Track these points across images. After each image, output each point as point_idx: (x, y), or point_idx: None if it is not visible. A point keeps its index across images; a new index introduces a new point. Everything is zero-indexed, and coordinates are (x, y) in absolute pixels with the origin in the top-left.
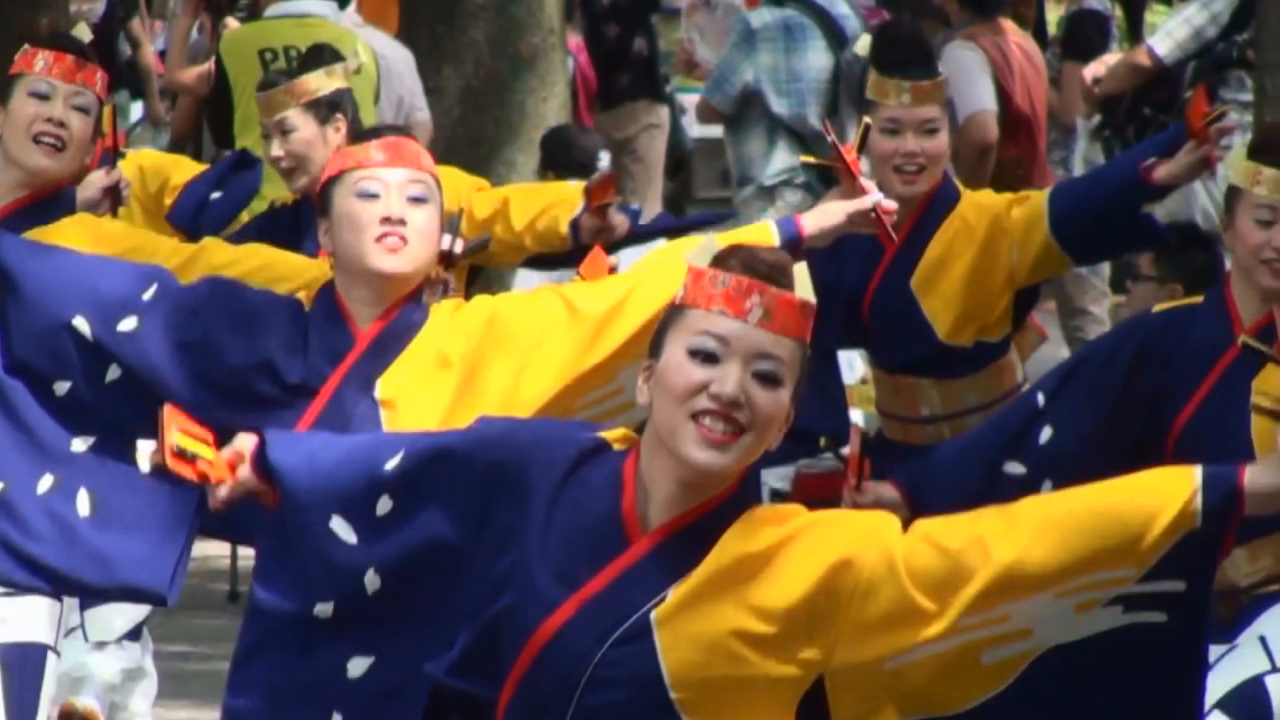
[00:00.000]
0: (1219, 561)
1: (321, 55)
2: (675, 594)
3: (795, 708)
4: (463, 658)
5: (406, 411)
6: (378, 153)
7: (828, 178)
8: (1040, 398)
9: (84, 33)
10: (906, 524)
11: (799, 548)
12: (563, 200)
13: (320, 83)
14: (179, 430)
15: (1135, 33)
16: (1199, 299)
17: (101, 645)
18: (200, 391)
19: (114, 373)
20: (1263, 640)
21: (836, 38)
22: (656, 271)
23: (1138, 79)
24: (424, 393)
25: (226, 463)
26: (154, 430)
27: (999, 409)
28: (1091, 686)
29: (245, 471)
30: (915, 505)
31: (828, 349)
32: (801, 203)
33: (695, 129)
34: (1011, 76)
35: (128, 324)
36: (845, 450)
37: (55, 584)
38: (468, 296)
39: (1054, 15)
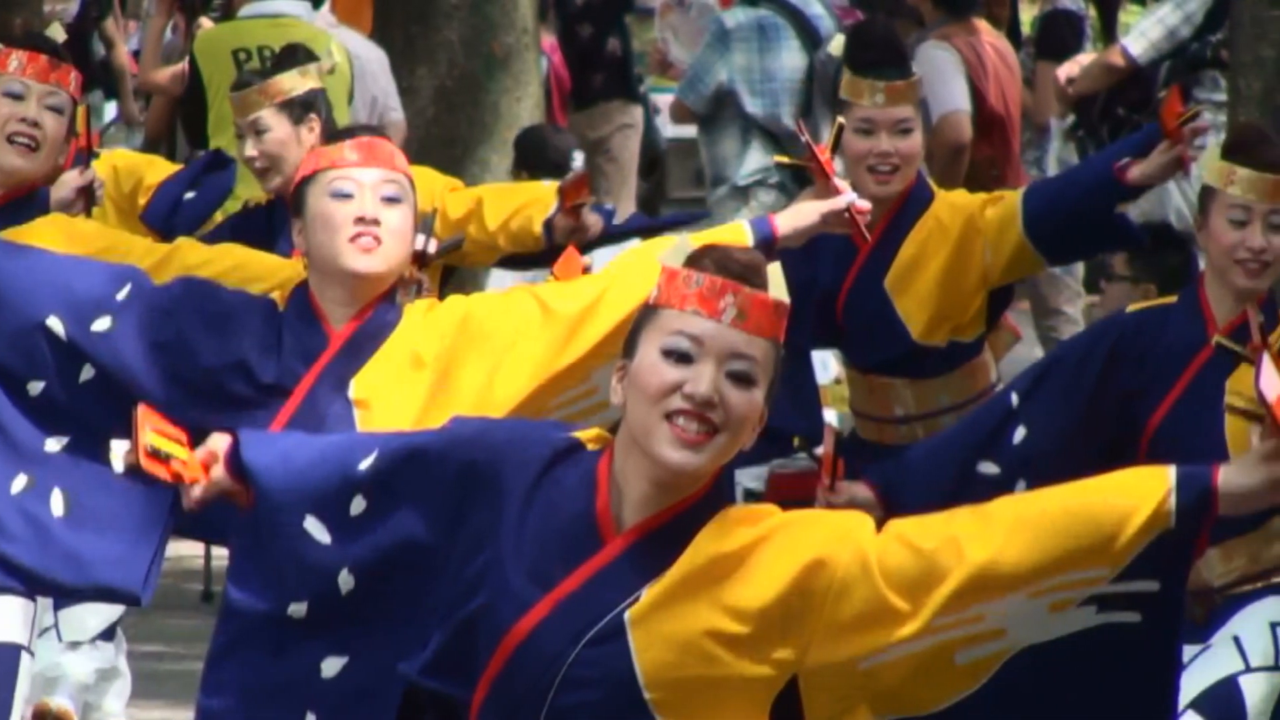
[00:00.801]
0: (1193, 561)
1: (295, 55)
2: (649, 594)
3: (769, 708)
4: (436, 657)
5: (380, 411)
6: (352, 153)
7: (802, 178)
8: (1014, 398)
9: (58, 33)
10: (880, 524)
11: (773, 548)
12: (537, 200)
13: (294, 83)
14: (153, 430)
15: (1109, 33)
16: (1173, 299)
17: (75, 645)
18: (174, 391)
19: (88, 373)
20: (1236, 640)
21: (810, 38)
22: (630, 271)
23: (1111, 79)
24: (398, 393)
25: (200, 463)
26: (128, 430)
27: (972, 409)
28: (1065, 686)
29: (219, 471)
30: (889, 505)
31: (801, 349)
32: (775, 203)
33: (669, 129)
34: (985, 76)
35: (102, 324)
36: (819, 450)
37: (29, 584)
38: (442, 296)
39: (1028, 15)
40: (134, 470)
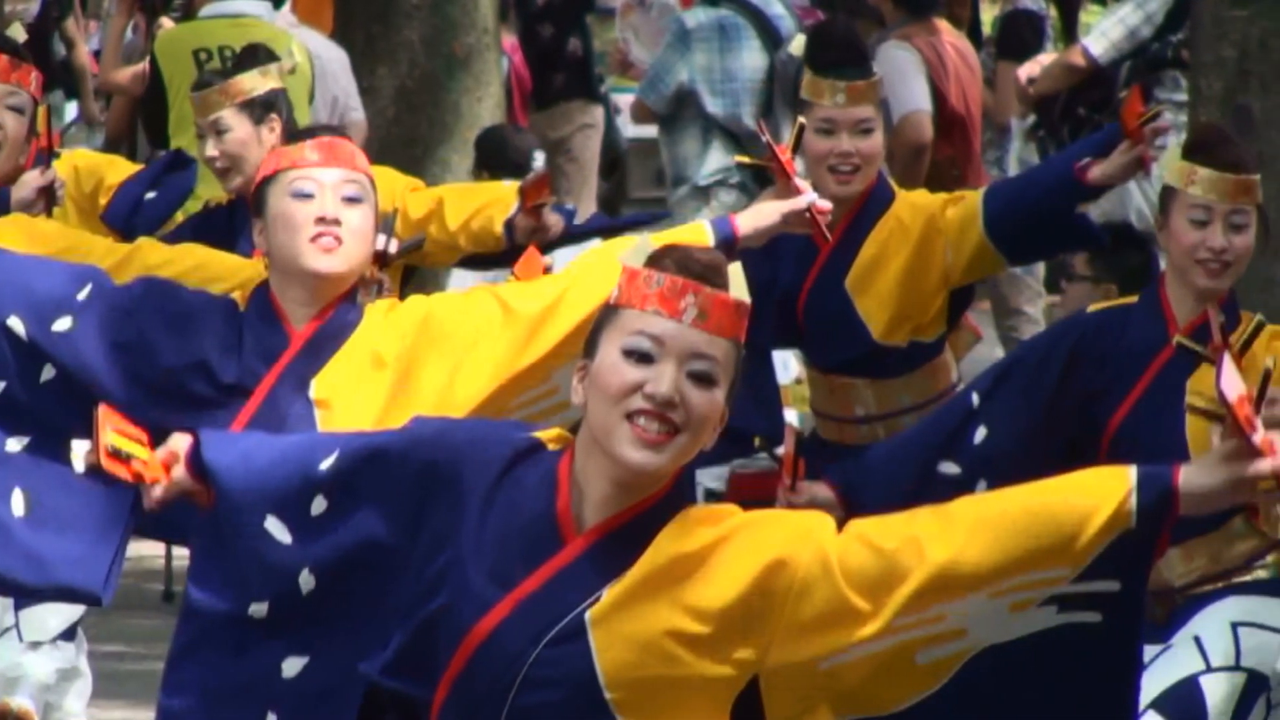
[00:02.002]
0: (1154, 561)
1: (256, 55)
2: (610, 594)
3: (730, 708)
4: (397, 657)
5: (341, 411)
6: (312, 153)
7: (763, 178)
8: (975, 398)
9: (18, 33)
10: (841, 524)
11: (733, 548)
12: (497, 200)
13: (255, 83)
14: (114, 430)
15: (1070, 33)
16: (1134, 299)
17: (36, 645)
18: (135, 391)
19: (49, 373)
20: (1197, 640)
21: (771, 38)
22: (591, 271)
23: (1072, 79)
24: (359, 392)
25: (161, 463)
26: (89, 430)
27: (933, 409)
28: (1026, 686)
29: (180, 471)
30: (850, 505)
31: (762, 349)
32: (736, 203)
33: (630, 129)
34: (946, 76)
35: (62, 324)
36: (780, 450)
37: None
38: (402, 296)
39: (989, 15)
40: (95, 470)
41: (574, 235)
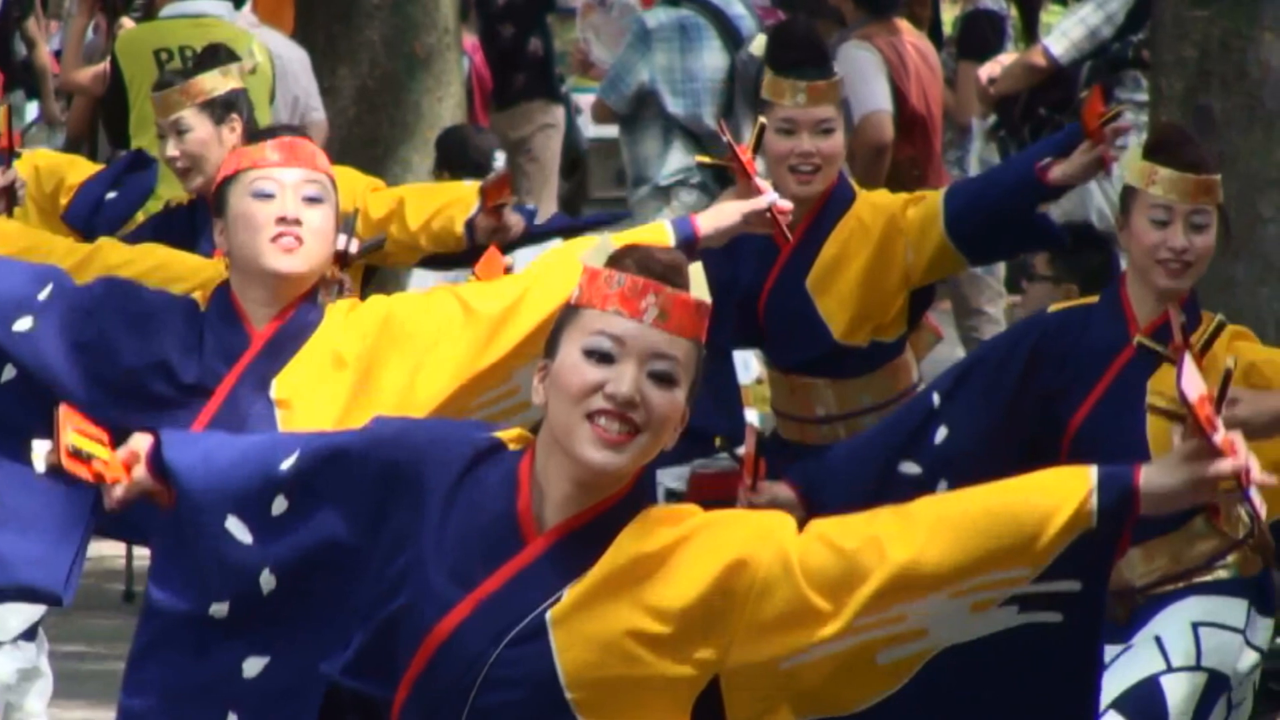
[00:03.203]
0: (1114, 562)
1: (217, 55)
2: (570, 594)
3: (691, 708)
4: (358, 658)
5: (302, 411)
6: (273, 153)
7: (723, 178)
8: (935, 398)
9: None
10: (802, 524)
11: (694, 548)
12: (458, 200)
13: (215, 83)
14: (74, 430)
15: (1030, 33)
16: (1094, 299)
17: None
18: (95, 391)
19: (8, 373)
20: (1158, 640)
21: (732, 38)
22: (552, 271)
23: (1033, 79)
24: (319, 393)
25: (122, 463)
26: (49, 430)
27: (894, 409)
28: (987, 686)
29: (140, 471)
30: (810, 505)
31: (723, 349)
32: (697, 203)
33: (590, 129)
34: (907, 76)
35: (23, 324)
36: (740, 450)
37: None
38: (363, 296)
39: (949, 15)
40: (55, 470)
41: (535, 235)
